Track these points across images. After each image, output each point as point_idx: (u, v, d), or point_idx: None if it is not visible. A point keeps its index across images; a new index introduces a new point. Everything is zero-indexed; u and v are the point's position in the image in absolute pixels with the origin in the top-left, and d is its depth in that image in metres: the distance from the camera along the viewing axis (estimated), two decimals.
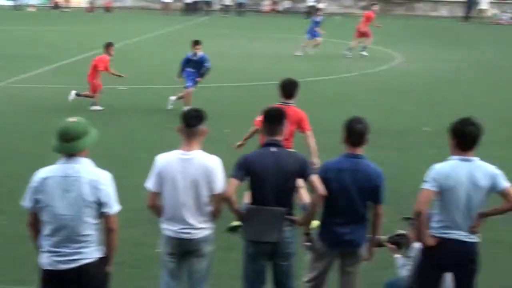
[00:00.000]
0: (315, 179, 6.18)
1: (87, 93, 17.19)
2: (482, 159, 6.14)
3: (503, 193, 6.00)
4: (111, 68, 17.20)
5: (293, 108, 9.02)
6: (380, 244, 6.84)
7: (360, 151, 6.31)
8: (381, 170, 6.37)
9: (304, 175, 6.23)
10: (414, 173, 8.68)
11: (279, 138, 6.34)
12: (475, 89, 21.78)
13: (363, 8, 57.96)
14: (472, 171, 5.99)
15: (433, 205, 6.17)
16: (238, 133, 14.50)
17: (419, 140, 14.62)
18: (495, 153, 11.83)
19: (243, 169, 6.23)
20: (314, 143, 9.34)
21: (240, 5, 52.92)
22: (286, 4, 58.14)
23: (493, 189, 6.01)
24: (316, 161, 8.89)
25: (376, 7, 30.57)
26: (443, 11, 57.93)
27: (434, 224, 6.13)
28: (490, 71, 26.01)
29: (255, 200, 6.30)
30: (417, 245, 6.59)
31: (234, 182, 6.18)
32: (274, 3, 57.82)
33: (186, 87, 16.80)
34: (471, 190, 5.98)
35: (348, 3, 58.84)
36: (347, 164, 6.28)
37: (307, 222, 6.46)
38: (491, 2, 54.88)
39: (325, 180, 6.21)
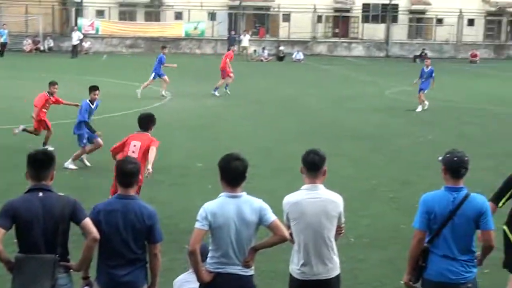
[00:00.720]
0: (88, 222, 6.02)
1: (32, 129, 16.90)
2: (250, 192, 6.26)
3: (270, 227, 6.15)
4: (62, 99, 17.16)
5: (148, 135, 10.61)
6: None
7: (132, 191, 6.25)
8: (154, 209, 6.33)
9: (76, 220, 6.04)
10: (191, 209, 8.71)
11: (47, 182, 6.07)
12: (243, 123, 22.58)
13: (129, 46, 58.23)
14: (240, 206, 6.09)
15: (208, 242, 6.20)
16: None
17: (194, 176, 14.80)
18: (262, 186, 12.32)
19: (9, 217, 5.91)
20: (154, 156, 10.33)
21: (0, 45, 50.54)
22: (49, 44, 56.50)
23: (261, 223, 6.14)
24: (150, 169, 9.98)
25: (234, 48, 31.86)
26: (207, 49, 59.61)
27: (209, 260, 6.19)
28: (257, 105, 27.07)
29: (23, 248, 5.99)
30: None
31: (0, 231, 5.82)
32: (35, 42, 55.86)
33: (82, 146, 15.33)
34: (240, 226, 6.08)
35: (115, 42, 58.69)
36: (118, 205, 6.19)
37: (83, 267, 6.23)
38: (250, 40, 57.26)
39: (96, 222, 6.08)
